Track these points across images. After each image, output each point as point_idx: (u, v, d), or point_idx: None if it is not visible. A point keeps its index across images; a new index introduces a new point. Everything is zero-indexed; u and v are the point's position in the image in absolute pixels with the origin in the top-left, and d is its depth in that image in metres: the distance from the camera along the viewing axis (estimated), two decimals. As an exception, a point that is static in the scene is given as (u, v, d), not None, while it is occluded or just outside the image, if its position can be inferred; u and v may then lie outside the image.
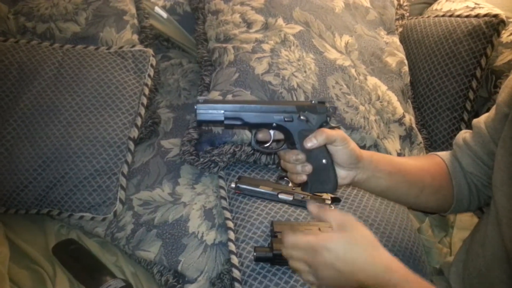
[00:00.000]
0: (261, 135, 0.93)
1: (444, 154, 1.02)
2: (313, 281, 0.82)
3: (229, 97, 1.26)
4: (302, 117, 0.89)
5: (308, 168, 0.86)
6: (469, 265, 0.90)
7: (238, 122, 0.90)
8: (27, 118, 1.22)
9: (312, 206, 0.84)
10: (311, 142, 0.85)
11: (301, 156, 0.87)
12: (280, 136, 0.93)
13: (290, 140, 0.90)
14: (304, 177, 0.88)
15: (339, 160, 0.86)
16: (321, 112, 0.90)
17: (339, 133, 0.86)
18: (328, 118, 0.90)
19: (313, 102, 0.91)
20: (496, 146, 0.88)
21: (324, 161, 0.86)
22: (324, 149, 0.86)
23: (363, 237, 0.78)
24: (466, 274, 0.90)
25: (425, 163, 1.01)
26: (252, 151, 1.23)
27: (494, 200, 0.82)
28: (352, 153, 0.86)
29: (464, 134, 0.98)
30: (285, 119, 0.89)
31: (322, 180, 0.88)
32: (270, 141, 0.94)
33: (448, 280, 0.99)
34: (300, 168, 0.87)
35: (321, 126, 0.88)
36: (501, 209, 0.79)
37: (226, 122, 0.90)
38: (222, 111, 0.89)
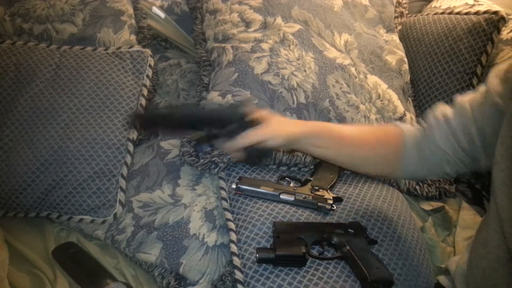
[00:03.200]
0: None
1: (408, 130, 1.03)
2: None
3: (229, 97, 1.25)
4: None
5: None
6: (472, 266, 0.89)
7: None
8: (25, 120, 1.21)
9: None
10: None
11: None
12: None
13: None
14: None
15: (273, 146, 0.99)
16: (237, 118, 0.95)
17: (267, 133, 0.95)
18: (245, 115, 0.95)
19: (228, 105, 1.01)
20: (477, 130, 0.88)
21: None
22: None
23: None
24: (471, 275, 0.89)
25: (373, 135, 1.05)
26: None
27: (496, 201, 0.80)
28: (284, 142, 0.98)
29: (443, 108, 0.97)
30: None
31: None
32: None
33: (453, 281, 0.98)
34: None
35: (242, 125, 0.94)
36: (502, 210, 0.78)
37: None
38: None
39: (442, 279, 1.00)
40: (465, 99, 0.93)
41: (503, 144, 0.79)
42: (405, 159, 1.00)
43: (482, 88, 0.91)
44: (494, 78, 0.88)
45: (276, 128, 0.97)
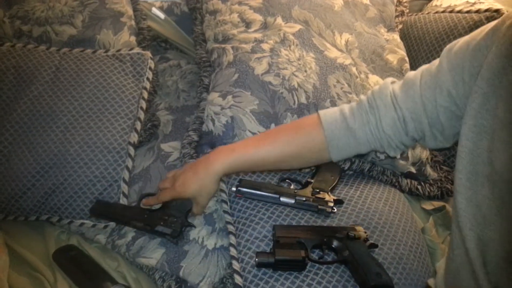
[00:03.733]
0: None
1: (332, 118, 1.00)
2: None
3: (229, 98, 1.25)
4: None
5: None
6: (447, 269, 0.88)
7: None
8: (25, 123, 1.20)
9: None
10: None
11: None
12: None
13: None
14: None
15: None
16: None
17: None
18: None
19: None
20: (428, 120, 0.87)
21: None
22: None
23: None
24: (447, 278, 0.89)
25: (285, 132, 1.06)
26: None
27: (455, 204, 0.80)
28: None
29: (392, 89, 0.94)
30: None
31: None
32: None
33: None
34: None
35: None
36: (462, 213, 0.77)
37: None
38: None
39: (431, 281, 0.99)
40: (417, 77, 0.90)
41: (462, 146, 0.78)
42: (333, 150, 1.00)
43: (434, 69, 0.87)
44: (445, 59, 0.85)
45: (199, 194, 1.06)
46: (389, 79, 0.97)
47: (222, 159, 1.03)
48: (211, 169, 1.03)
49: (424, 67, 0.91)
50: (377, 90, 0.96)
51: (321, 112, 1.02)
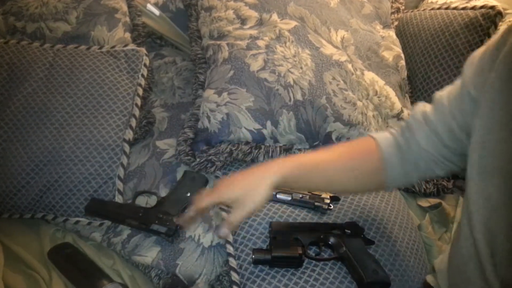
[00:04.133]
0: None
1: (384, 137, 0.98)
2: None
3: (225, 95, 1.25)
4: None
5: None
6: (452, 262, 0.89)
7: None
8: (19, 120, 1.20)
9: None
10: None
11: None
12: None
13: None
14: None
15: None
16: None
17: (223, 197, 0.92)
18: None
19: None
20: (458, 126, 0.86)
21: None
22: None
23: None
24: (450, 271, 0.89)
25: (347, 156, 0.99)
26: (249, 150, 1.21)
27: (466, 195, 0.80)
28: (262, 203, 0.91)
29: (422, 107, 0.94)
30: None
31: None
32: None
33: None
34: None
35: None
36: (472, 203, 0.78)
37: None
38: None
39: (429, 278, 0.99)
40: (443, 94, 0.90)
41: (475, 137, 0.79)
42: (388, 170, 0.96)
43: (458, 81, 0.88)
44: (468, 67, 0.85)
45: (242, 199, 0.92)
46: (421, 103, 0.97)
47: (280, 166, 0.95)
48: (267, 173, 0.93)
49: (449, 85, 0.92)
50: (412, 113, 0.96)
51: (373, 134, 1.00)
